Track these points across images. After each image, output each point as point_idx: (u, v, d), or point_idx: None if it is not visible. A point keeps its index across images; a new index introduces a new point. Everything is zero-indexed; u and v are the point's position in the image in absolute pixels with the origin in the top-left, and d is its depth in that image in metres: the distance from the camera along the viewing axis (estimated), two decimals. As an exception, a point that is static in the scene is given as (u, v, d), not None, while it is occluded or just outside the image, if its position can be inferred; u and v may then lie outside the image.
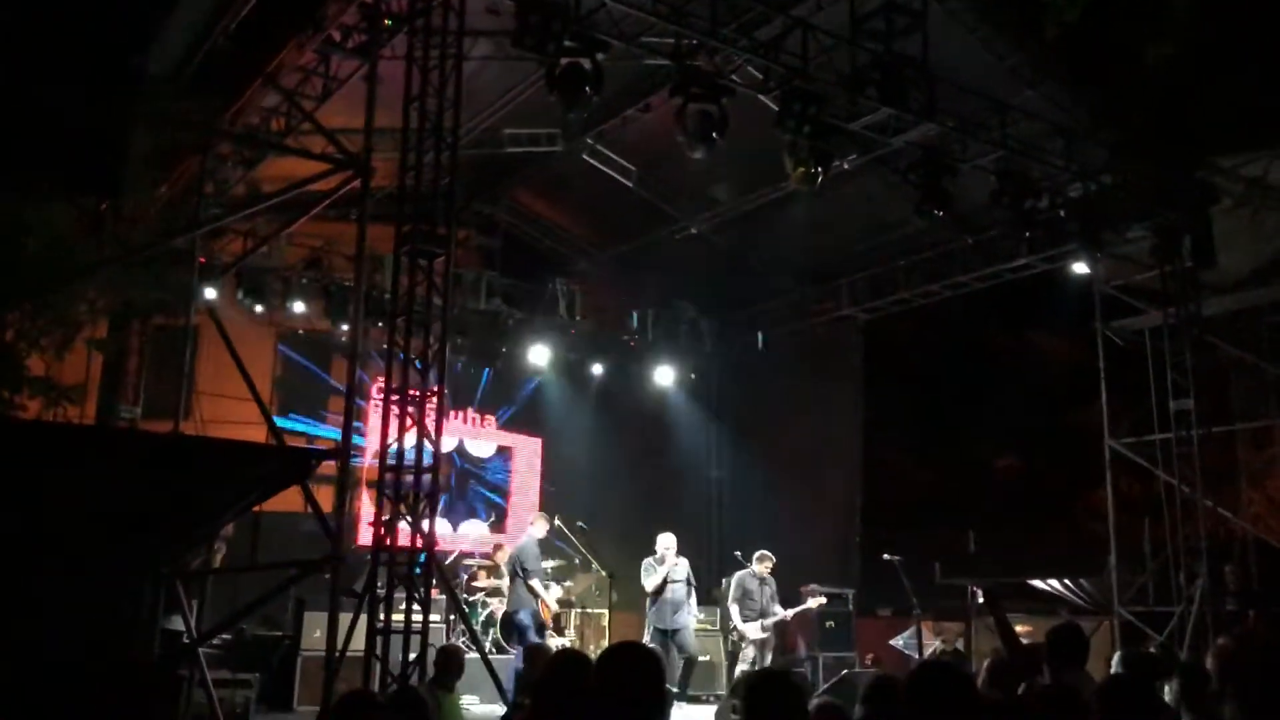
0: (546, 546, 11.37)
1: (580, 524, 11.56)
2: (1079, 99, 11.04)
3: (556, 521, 11.16)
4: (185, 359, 8.89)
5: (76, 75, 6.49)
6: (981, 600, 10.30)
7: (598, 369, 15.56)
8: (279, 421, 12.16)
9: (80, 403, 9.09)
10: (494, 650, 10.86)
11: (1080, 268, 11.99)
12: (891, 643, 11.31)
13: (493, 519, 13.77)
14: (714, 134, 8.94)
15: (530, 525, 11.16)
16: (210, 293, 10.63)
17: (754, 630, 11.10)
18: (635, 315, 15.45)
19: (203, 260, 10.70)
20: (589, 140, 12.22)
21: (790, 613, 11.35)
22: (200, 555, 8.29)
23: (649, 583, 10.74)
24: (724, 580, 12.44)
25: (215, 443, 7.18)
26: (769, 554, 11.44)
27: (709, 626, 12.38)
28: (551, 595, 10.87)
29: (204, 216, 9.14)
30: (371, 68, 7.42)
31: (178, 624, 7.76)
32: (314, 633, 9.65)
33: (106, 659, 5.08)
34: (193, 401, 11.52)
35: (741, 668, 11.00)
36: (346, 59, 9.01)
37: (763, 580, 11.29)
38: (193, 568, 8.05)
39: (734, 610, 11.22)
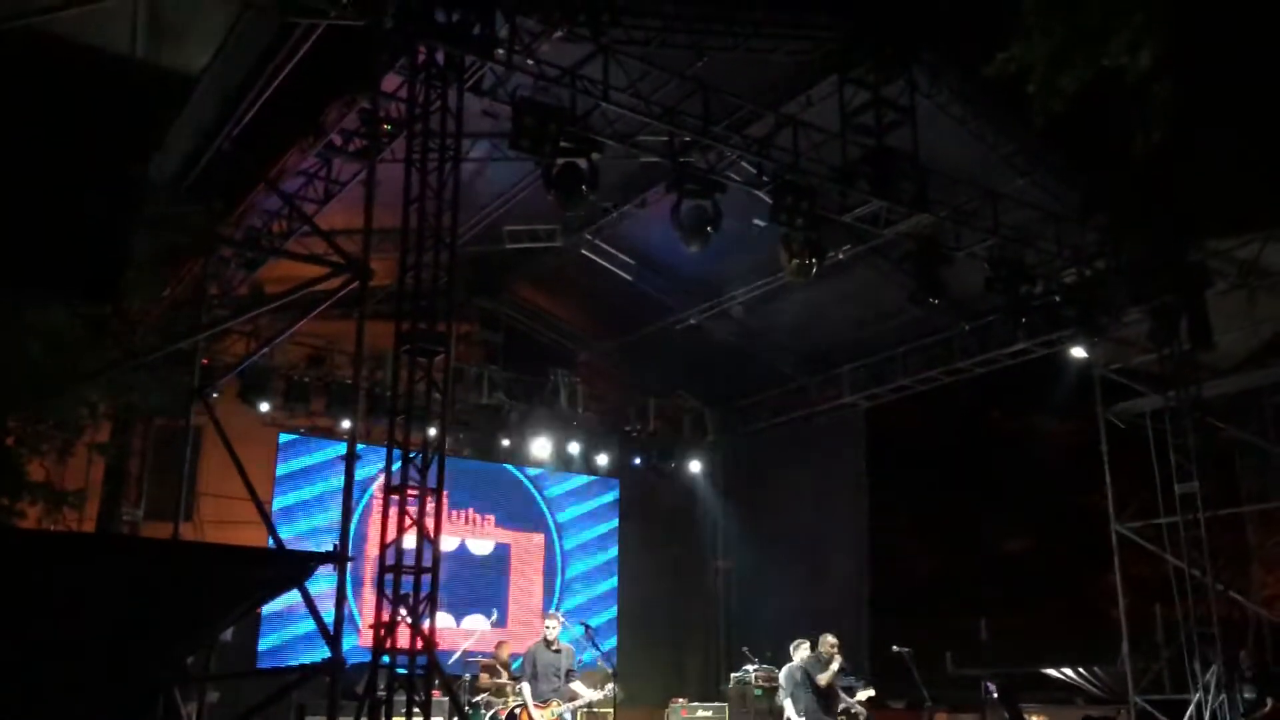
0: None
1: (583, 622, 11.39)
2: (1070, 185, 11.21)
3: (560, 621, 10.86)
4: (186, 461, 8.87)
5: (79, 182, 6.62)
6: (997, 695, 10.09)
7: (601, 460, 15.52)
8: (280, 520, 12.16)
9: (81, 507, 9.08)
10: (498, 753, 10.63)
11: (1078, 352, 12.05)
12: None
13: (495, 617, 13.59)
14: (708, 228, 9.10)
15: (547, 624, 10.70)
16: (213, 394, 10.67)
17: None
18: (637, 407, 15.48)
19: (206, 361, 10.79)
20: (588, 236, 12.39)
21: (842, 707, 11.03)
22: (200, 659, 8.16)
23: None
24: (731, 675, 12.23)
25: (214, 548, 7.13)
26: (806, 642, 11.22)
27: (717, 723, 12.11)
28: (553, 707, 10.30)
29: (207, 319, 9.22)
30: (370, 172, 7.55)
31: (175, 732, 7.62)
32: (315, 737, 9.47)
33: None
34: (195, 502, 11.50)
35: None
36: (347, 162, 9.18)
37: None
38: (192, 673, 7.93)
39: (787, 704, 10.96)
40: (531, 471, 15.18)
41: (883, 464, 14.86)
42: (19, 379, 7.44)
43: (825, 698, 10.44)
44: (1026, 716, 7.77)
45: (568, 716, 10.09)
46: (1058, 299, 11.15)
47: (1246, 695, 10.33)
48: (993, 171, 10.81)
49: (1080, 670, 13.29)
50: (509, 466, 14.96)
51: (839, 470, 14.78)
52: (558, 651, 10.15)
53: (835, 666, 10.39)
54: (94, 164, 6.87)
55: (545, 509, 15.26)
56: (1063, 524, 16.03)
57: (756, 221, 9.68)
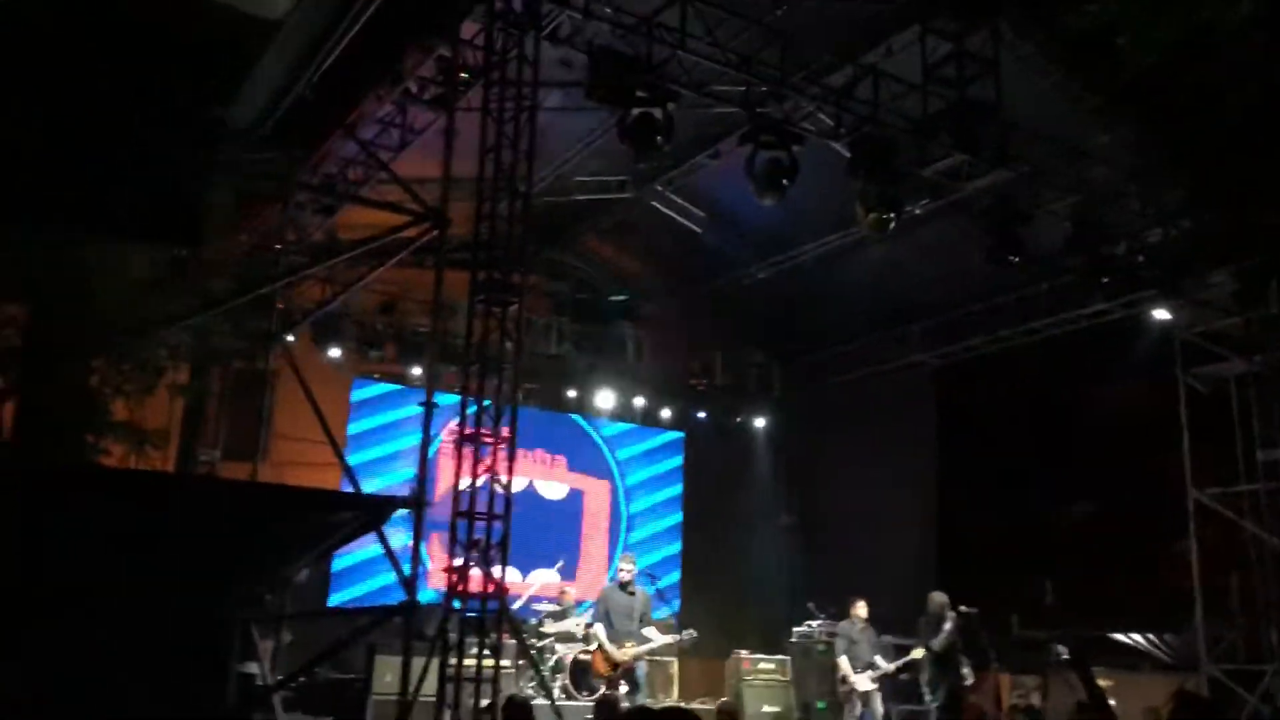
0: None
1: (649, 573, 11.47)
2: (1156, 142, 10.85)
3: (631, 567, 10.82)
4: (264, 403, 9.04)
5: (160, 127, 6.69)
6: (1066, 657, 9.98)
7: (665, 414, 15.53)
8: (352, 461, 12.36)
9: (163, 447, 9.29)
10: (563, 697, 10.78)
11: (1160, 314, 11.73)
12: (970, 699, 10.97)
13: (561, 564, 13.72)
14: (784, 181, 8.96)
15: (621, 567, 10.70)
16: (290, 338, 10.83)
17: (864, 682, 10.86)
18: (702, 361, 15.44)
19: (281, 305, 10.94)
20: (658, 187, 12.29)
21: (896, 664, 11.06)
22: (276, 599, 8.38)
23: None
24: (794, 630, 12.26)
25: (294, 491, 7.28)
26: (863, 601, 11.23)
27: (780, 678, 12.16)
28: (629, 648, 10.32)
29: (284, 265, 9.34)
30: (449, 120, 7.56)
31: (253, 668, 7.84)
32: (384, 677, 9.66)
33: (187, 707, 5.13)
34: (270, 444, 11.73)
35: None
36: (423, 110, 9.19)
37: (864, 629, 11.10)
38: (268, 612, 8.14)
39: (843, 662, 11.00)
40: (597, 423, 15.24)
41: (953, 424, 14.67)
42: (103, 321, 7.60)
43: (940, 662, 10.34)
44: (1098, 683, 7.67)
45: (642, 663, 10.10)
46: (1140, 259, 10.85)
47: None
48: (1076, 127, 10.48)
49: (1149, 636, 13.09)
50: (576, 417, 15.04)
51: (907, 429, 14.62)
52: (632, 594, 10.14)
53: (948, 627, 10.33)
54: (174, 109, 6.94)
55: (611, 459, 15.34)
56: (1135, 489, 15.71)
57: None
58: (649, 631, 10.18)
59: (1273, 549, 10.76)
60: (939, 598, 10.70)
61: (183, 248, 8.18)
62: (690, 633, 10.68)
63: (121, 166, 6.45)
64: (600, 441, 15.32)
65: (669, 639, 10.55)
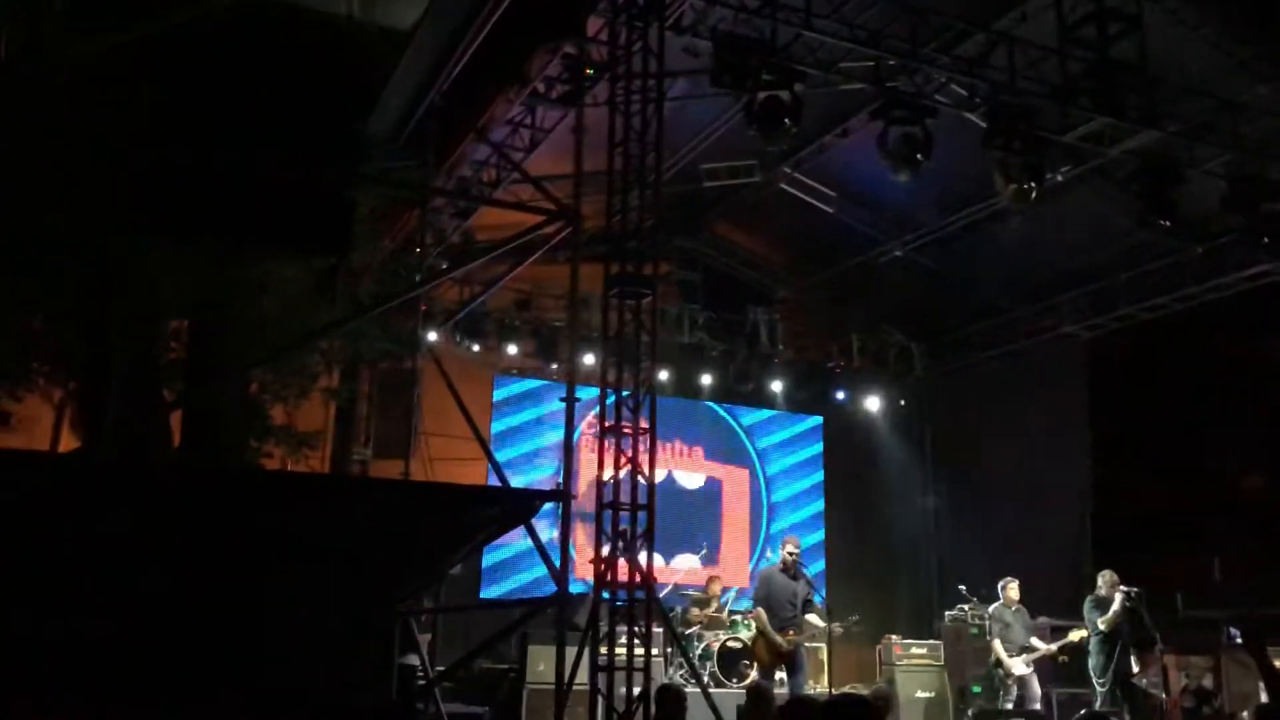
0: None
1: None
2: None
3: (793, 549, 10.58)
4: (411, 402, 9.34)
5: (306, 143, 6.96)
6: (1239, 640, 9.51)
7: (804, 398, 15.40)
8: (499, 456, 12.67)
9: (319, 448, 9.71)
10: (712, 684, 10.83)
11: (1328, 272, 11.06)
12: (1134, 681, 10.58)
13: (704, 551, 13.77)
14: (918, 155, 8.76)
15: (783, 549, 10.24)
16: (432, 336, 11.14)
17: (1019, 666, 10.60)
18: (840, 343, 15.26)
19: (424, 307, 11.27)
20: (786, 169, 12.18)
21: (1054, 646, 10.76)
22: (433, 592, 8.66)
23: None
24: (946, 614, 12.02)
25: (443, 487, 7.49)
26: (1017, 583, 10.93)
27: (933, 662, 11.95)
28: (791, 634, 9.78)
29: (425, 268, 9.61)
30: (578, 117, 7.65)
31: (413, 660, 8.12)
32: (538, 666, 9.87)
33: (355, 698, 5.35)
34: (419, 442, 12.12)
35: (1007, 705, 10.53)
36: (550, 109, 9.31)
37: (1016, 610, 10.83)
38: (426, 604, 8.42)
39: (997, 645, 10.76)
40: (735, 411, 15.21)
41: (1106, 396, 14.10)
42: (259, 333, 7.98)
43: (1107, 644, 9.98)
44: (1274, 664, 7.25)
45: (801, 648, 9.90)
46: (1305, 215, 10.23)
47: None
48: (1230, 80, 9.94)
49: (1327, 613, 12.38)
50: (712, 404, 15.05)
51: (1057, 403, 14.15)
52: (795, 578, 9.88)
53: (1116, 607, 9.96)
54: (318, 124, 7.21)
55: (750, 446, 15.30)
56: (1306, 458, 14.86)
57: None
58: (811, 617, 9.97)
59: None
60: (1109, 576, 10.31)
61: (332, 257, 8.52)
62: (854, 617, 10.57)
63: (274, 183, 6.74)
64: (738, 429, 15.29)
65: (831, 625, 10.36)
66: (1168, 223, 9.66)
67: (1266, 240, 10.55)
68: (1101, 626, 9.98)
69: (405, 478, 8.79)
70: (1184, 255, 12.27)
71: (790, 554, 9.88)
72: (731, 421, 15.23)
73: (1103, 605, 10.11)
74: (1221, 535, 14.95)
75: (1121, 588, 10.09)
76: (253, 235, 7.07)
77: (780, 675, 9.93)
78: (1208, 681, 11.88)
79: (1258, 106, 9.85)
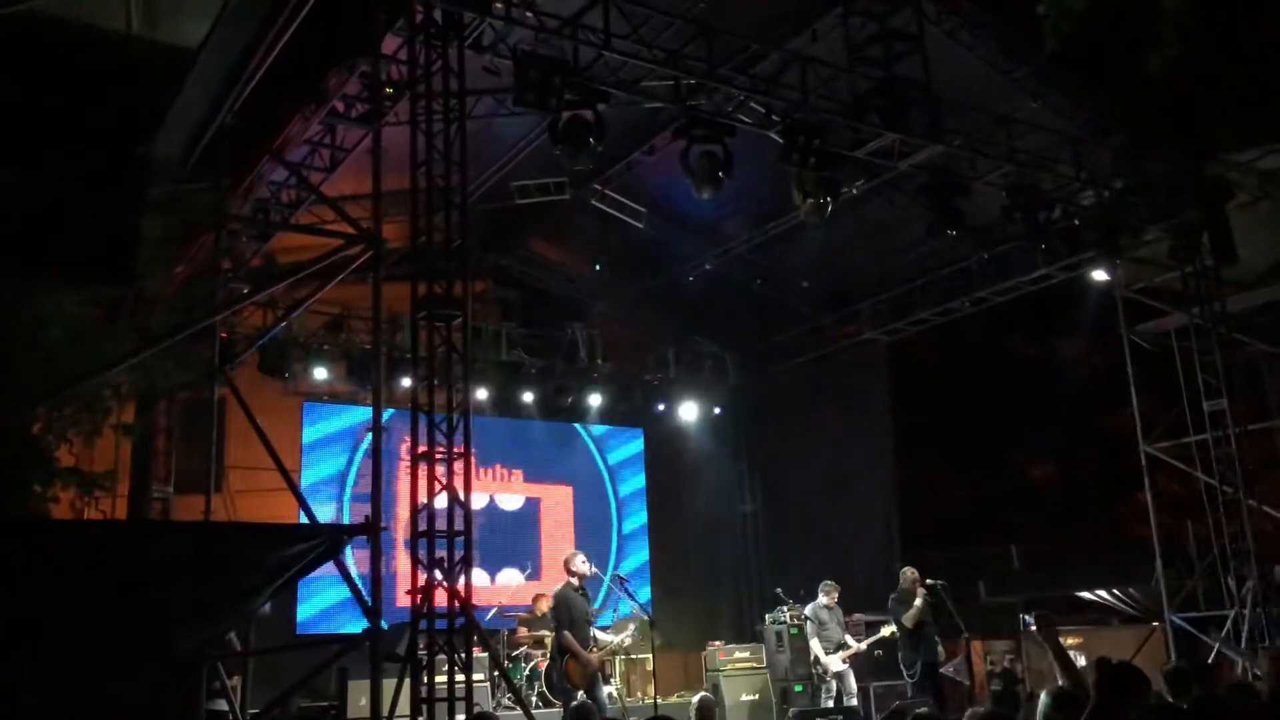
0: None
1: (618, 575, 11.48)
2: (1084, 106, 11.01)
3: (592, 568, 10.75)
4: (213, 437, 8.92)
5: (84, 166, 6.58)
6: (1034, 628, 10.12)
7: (623, 411, 15.51)
8: (308, 488, 12.25)
9: (111, 489, 9.14)
10: (540, 704, 10.77)
11: (1100, 274, 11.91)
12: (942, 670, 11.11)
13: (529, 571, 13.69)
14: (720, 174, 8.97)
15: (569, 569, 10.56)
16: (233, 367, 10.67)
17: (835, 663, 10.96)
18: (656, 355, 15.45)
19: (224, 335, 10.79)
20: (596, 186, 12.26)
21: (865, 643, 11.18)
22: (241, 634, 8.25)
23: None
24: (765, 616, 12.32)
25: (248, 528, 7.19)
26: (833, 583, 11.33)
27: (756, 665, 12.23)
28: (594, 652, 10.01)
29: (223, 295, 9.20)
30: (375, 138, 7.48)
31: (222, 705, 7.74)
32: (359, 701, 9.56)
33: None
34: (224, 475, 11.58)
35: (827, 702, 10.85)
36: (351, 129, 9.08)
37: (832, 610, 11.20)
38: (233, 648, 8.03)
39: (815, 644, 11.09)
40: (555, 426, 15.17)
41: (907, 398, 14.80)
42: (42, 368, 7.47)
43: (913, 638, 10.41)
44: (1065, 644, 7.75)
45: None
46: (1076, 222, 11.00)
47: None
48: (1005, 96, 10.62)
49: (1114, 591, 13.32)
50: (532, 422, 14.97)
51: (863, 406, 14.74)
52: (585, 596, 10.15)
53: (918, 603, 10.41)
54: (97, 146, 6.83)
55: (571, 462, 15.29)
56: (1091, 447, 15.99)
57: None
58: (596, 632, 10.31)
59: (1225, 496, 10.97)
60: (910, 573, 10.81)
61: (118, 286, 8.06)
62: (634, 631, 10.77)
63: (48, 209, 6.34)
64: (558, 444, 15.26)
65: (621, 639, 10.62)
66: (954, 231, 10.21)
67: (1044, 246, 11.32)
68: (905, 623, 10.45)
69: (206, 515, 8.38)
70: (972, 261, 12.98)
71: (591, 571, 10.06)
72: (551, 437, 15.18)
73: (905, 601, 10.59)
74: (1018, 524, 15.87)
75: (927, 582, 10.57)
76: (27, 264, 6.63)
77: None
78: (1008, 663, 12.60)
79: (1030, 121, 10.53)
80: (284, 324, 11.10)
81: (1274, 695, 5.86)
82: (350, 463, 13.30)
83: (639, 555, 15.24)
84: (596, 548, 13.26)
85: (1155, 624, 12.05)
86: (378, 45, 7.72)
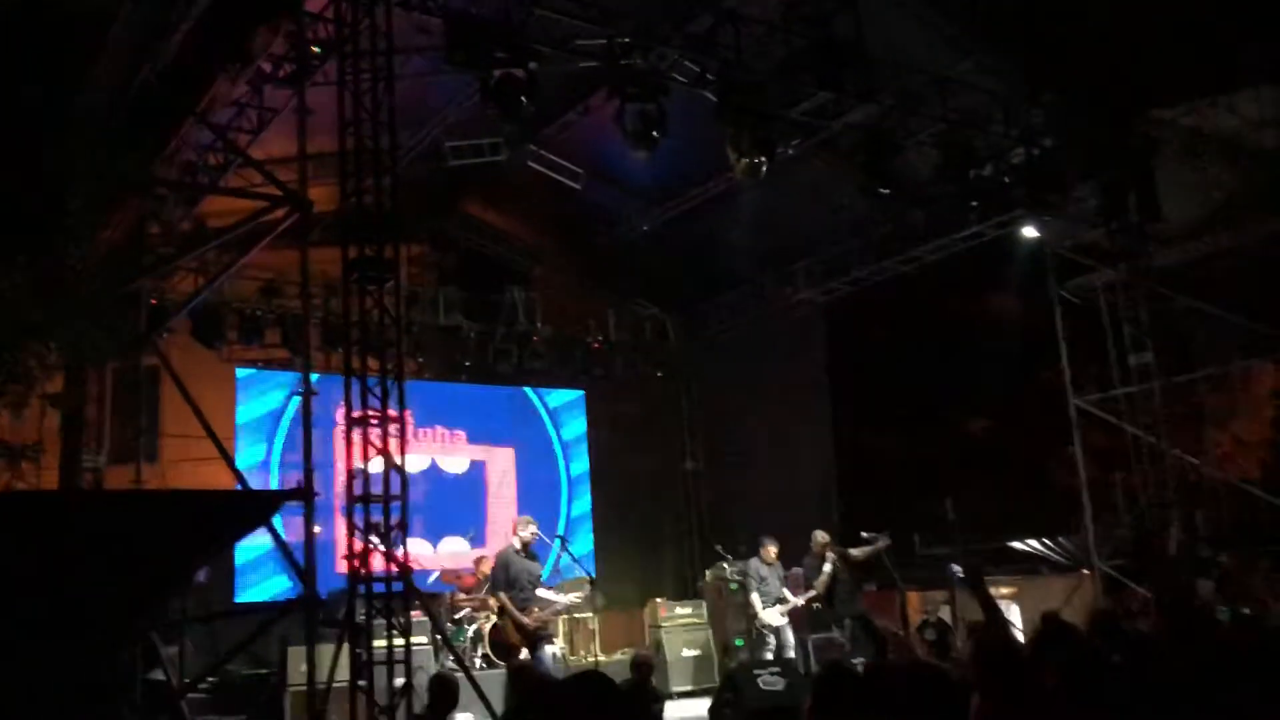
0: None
1: (559, 535, 11.53)
2: (1015, 65, 11.11)
3: (534, 529, 10.80)
4: (143, 405, 8.78)
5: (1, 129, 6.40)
6: (962, 576, 10.38)
7: (564, 373, 15.50)
8: (244, 455, 12.12)
9: (38, 459, 8.95)
10: (485, 665, 10.81)
11: (1030, 231, 12.09)
12: (878, 623, 11.33)
13: (472, 534, 13.67)
14: (654, 133, 8.95)
15: (515, 531, 10.42)
16: (166, 334, 10.50)
17: (775, 617, 11.12)
18: (597, 317, 15.43)
19: (154, 302, 10.58)
20: (532, 147, 12.17)
21: (802, 598, 11.34)
22: (176, 603, 8.20)
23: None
24: (706, 573, 12.46)
25: (177, 495, 7.10)
26: (773, 539, 11.48)
27: (697, 621, 12.38)
28: (535, 613, 10.12)
29: (150, 260, 9.02)
30: (300, 98, 7.35)
31: (159, 675, 7.69)
32: (299, 667, 9.55)
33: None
34: (158, 444, 11.41)
35: (767, 655, 11.01)
36: (278, 89, 8.91)
37: (772, 565, 11.35)
38: (169, 617, 7.97)
39: (754, 599, 11.24)
40: (496, 390, 15.13)
41: (844, 356, 14.95)
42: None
43: (830, 598, 10.61)
44: (992, 592, 7.94)
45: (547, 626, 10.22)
46: (1007, 180, 11.15)
47: (1203, 554, 10.67)
48: (938, 56, 10.69)
49: (1044, 541, 13.64)
50: (474, 386, 14.91)
51: (801, 366, 14.88)
52: (532, 558, 10.17)
53: (828, 568, 10.60)
54: (10, 110, 6.63)
55: (513, 425, 15.26)
56: (1023, 402, 16.25)
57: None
58: (542, 592, 10.35)
59: (1150, 448, 11.26)
60: (820, 537, 11.02)
61: (40, 254, 7.86)
62: (588, 590, 10.85)
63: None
64: (500, 409, 15.22)
65: (567, 599, 10.70)
66: (887, 190, 10.29)
67: (975, 204, 11.46)
68: (817, 588, 10.68)
69: (136, 484, 8.27)
70: (906, 220, 13.10)
71: (532, 534, 10.07)
72: (493, 401, 15.13)
73: (817, 566, 10.85)
74: (953, 477, 16.13)
75: (834, 549, 10.79)
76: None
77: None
78: (944, 614, 12.87)
79: (963, 80, 10.62)
80: (216, 290, 10.91)
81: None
82: (285, 430, 13.16)
83: (581, 503, 15.30)
84: (543, 511, 13.29)
85: (1085, 572, 12.37)
86: (300, 4, 7.57)
